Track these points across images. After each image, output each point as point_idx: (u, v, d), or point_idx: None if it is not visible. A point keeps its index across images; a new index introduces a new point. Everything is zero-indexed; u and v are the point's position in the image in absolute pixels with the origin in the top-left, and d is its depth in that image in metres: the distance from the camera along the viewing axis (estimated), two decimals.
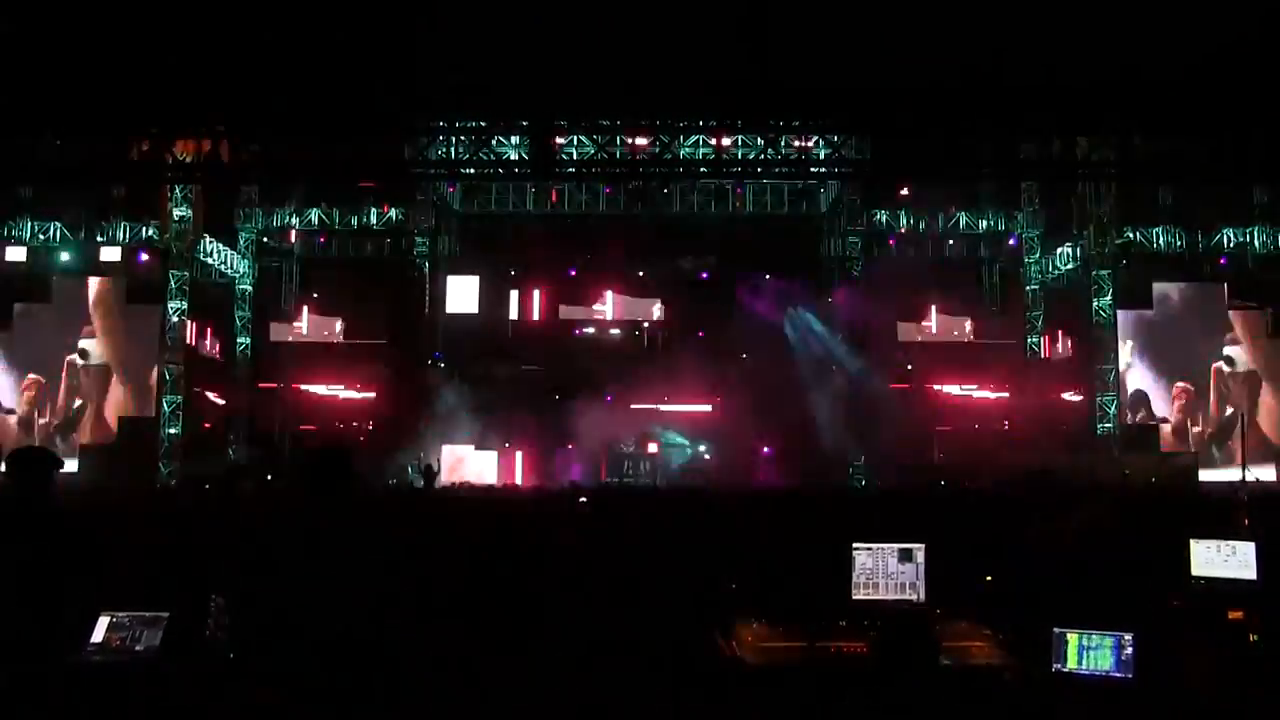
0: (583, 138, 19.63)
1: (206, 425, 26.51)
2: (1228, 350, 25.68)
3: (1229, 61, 9.99)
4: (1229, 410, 24.82)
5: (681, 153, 19.83)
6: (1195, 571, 6.52)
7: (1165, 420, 25.53)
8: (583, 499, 12.46)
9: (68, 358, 25.03)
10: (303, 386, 27.91)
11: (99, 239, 25.37)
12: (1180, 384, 25.59)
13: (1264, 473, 21.74)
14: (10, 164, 13.65)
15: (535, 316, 28.56)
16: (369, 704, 4.25)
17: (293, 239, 28.34)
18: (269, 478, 22.49)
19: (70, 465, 22.54)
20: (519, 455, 26.40)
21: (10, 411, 24.91)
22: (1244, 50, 9.84)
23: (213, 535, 8.28)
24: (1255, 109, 10.74)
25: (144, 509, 11.04)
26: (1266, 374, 25.37)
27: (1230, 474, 21.28)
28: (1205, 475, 23.37)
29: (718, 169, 20.08)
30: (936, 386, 27.97)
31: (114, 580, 5.80)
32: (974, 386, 28.17)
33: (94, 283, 25.33)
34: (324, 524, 4.60)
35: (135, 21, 9.71)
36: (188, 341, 24.86)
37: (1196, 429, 25.44)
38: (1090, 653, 4.76)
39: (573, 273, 28.63)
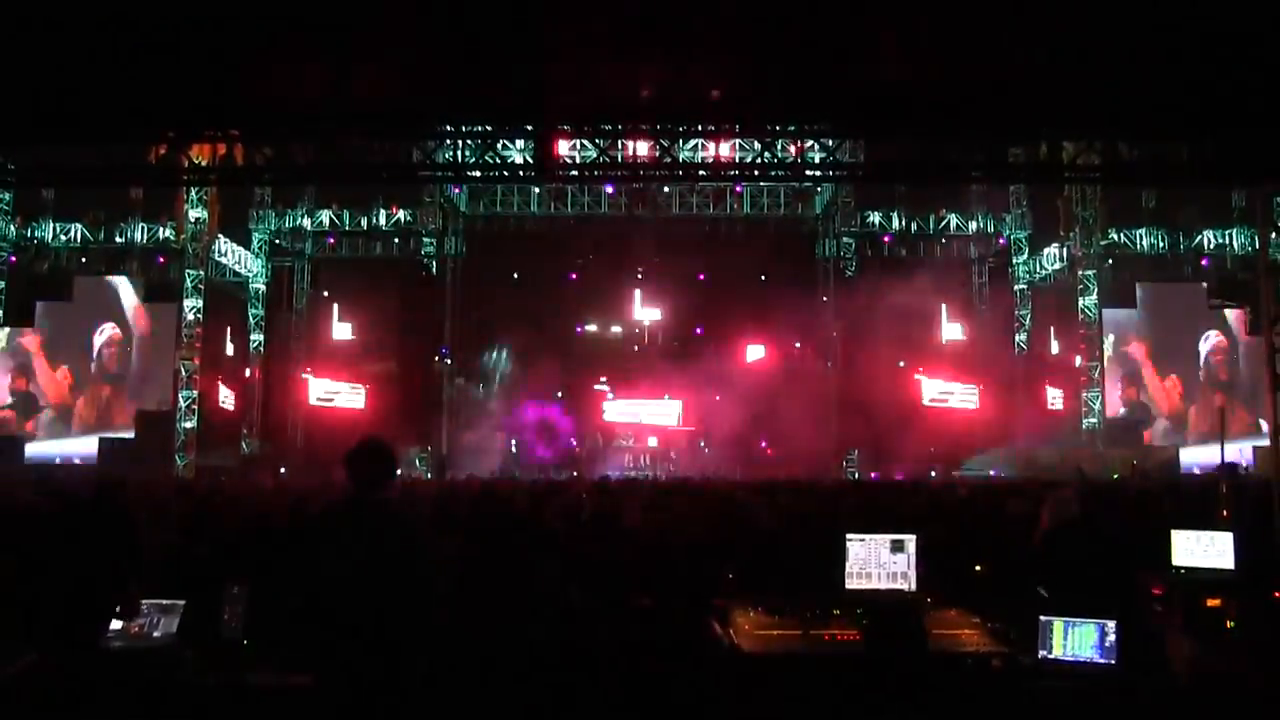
0: (585, 142, 19.81)
1: (220, 419, 26.93)
2: (1211, 346, 26.15)
3: (1210, 68, 10.17)
4: (1210, 403, 25.27)
5: (681, 156, 20.01)
6: (1176, 561, 6.70)
7: (1149, 414, 25.97)
8: (583, 494, 12.55)
9: (94, 354, 25.48)
10: (314, 380, 28.27)
11: (118, 239, 25.74)
12: (1163, 379, 26.04)
13: (1245, 446, 22.15)
14: (33, 168, 13.81)
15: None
16: (378, 691, 4.35)
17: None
18: (282, 470, 22.85)
19: (90, 454, 23.04)
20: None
21: (41, 406, 25.60)
22: (1225, 56, 10.03)
23: (227, 525, 8.49)
24: (1235, 114, 10.92)
25: (161, 500, 11.19)
26: (1249, 367, 25.82)
27: (1211, 457, 21.67)
28: (1186, 461, 23.85)
29: (716, 172, 20.27)
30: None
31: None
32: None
33: (114, 281, 25.71)
34: (368, 516, 4.65)
35: (151, 28, 9.82)
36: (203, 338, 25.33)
37: (1179, 422, 25.86)
38: (1075, 639, 4.92)
39: (573, 276, 28.85)
